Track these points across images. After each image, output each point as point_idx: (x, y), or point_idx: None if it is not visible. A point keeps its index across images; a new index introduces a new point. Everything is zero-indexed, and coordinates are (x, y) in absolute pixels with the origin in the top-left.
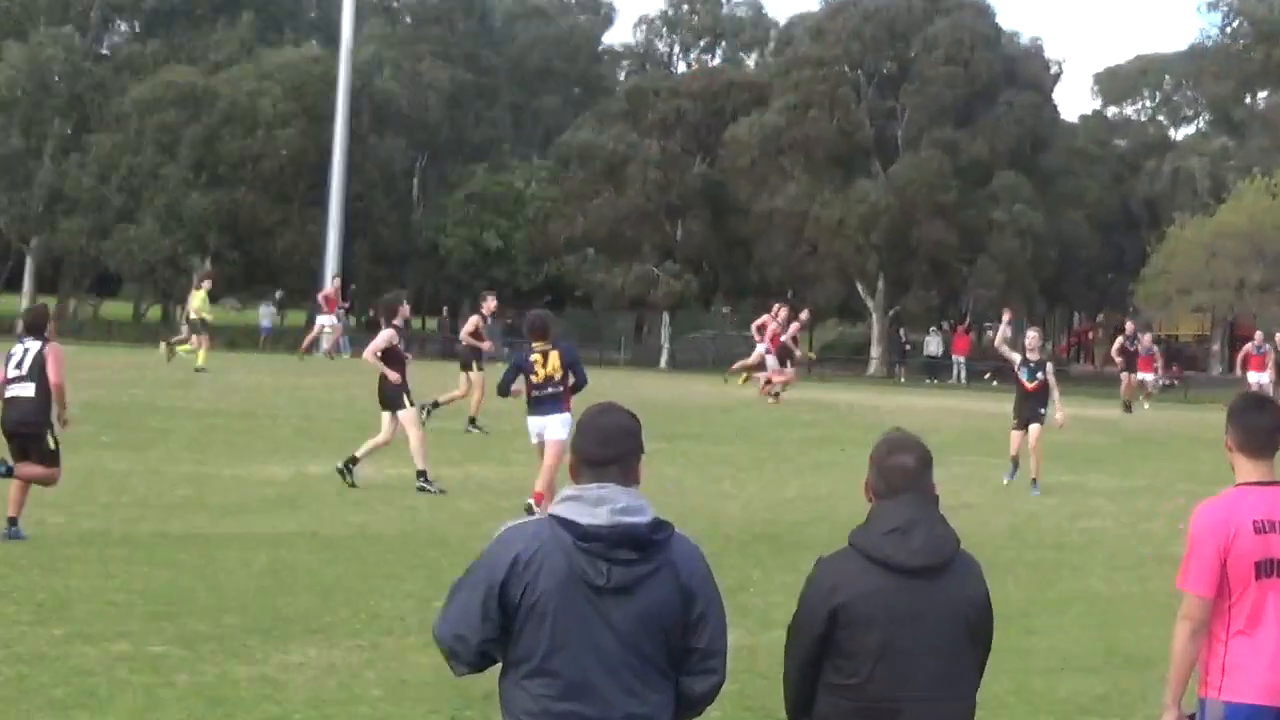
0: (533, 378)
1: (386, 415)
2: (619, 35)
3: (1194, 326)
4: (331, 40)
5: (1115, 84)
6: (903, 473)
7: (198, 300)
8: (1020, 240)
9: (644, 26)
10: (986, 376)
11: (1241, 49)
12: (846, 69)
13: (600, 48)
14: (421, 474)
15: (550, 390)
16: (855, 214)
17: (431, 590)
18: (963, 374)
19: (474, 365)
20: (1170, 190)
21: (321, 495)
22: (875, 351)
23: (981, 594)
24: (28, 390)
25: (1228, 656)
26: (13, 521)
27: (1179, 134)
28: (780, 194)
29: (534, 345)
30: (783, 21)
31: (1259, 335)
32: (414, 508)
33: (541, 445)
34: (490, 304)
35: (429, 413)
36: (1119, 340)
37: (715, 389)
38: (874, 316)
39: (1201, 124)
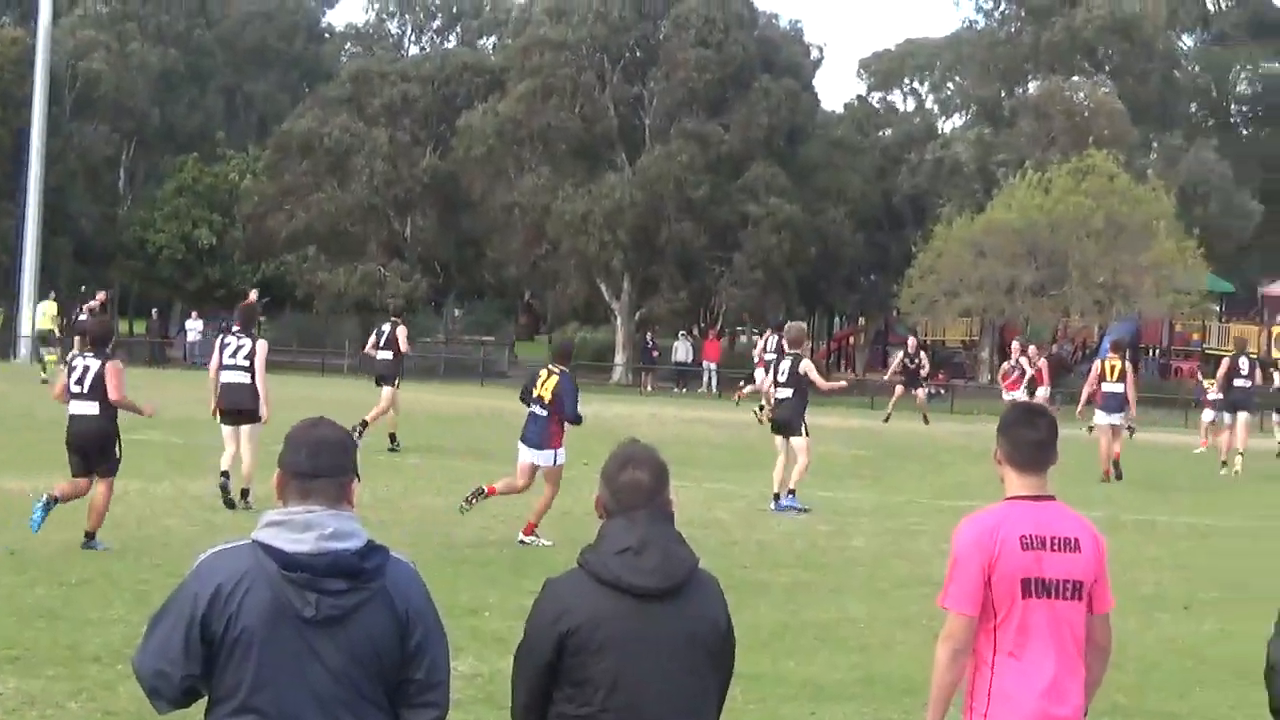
0: (533, 390)
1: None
2: (346, 14)
3: (961, 331)
4: (29, 17)
5: (880, 71)
6: (635, 489)
7: None
8: (777, 237)
9: (374, 6)
10: (740, 384)
11: (1011, 34)
12: (590, 52)
13: (322, 27)
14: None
15: (537, 410)
16: (599, 209)
17: (140, 615)
18: (714, 381)
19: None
20: (936, 184)
21: (21, 511)
22: (620, 358)
23: (721, 617)
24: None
25: (995, 681)
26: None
27: (947, 124)
28: (518, 187)
29: (551, 366)
30: (522, 0)
31: (1015, 348)
32: (121, 524)
33: (529, 466)
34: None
35: (359, 433)
36: (900, 357)
37: (443, 398)
38: (619, 320)
39: (970, 113)
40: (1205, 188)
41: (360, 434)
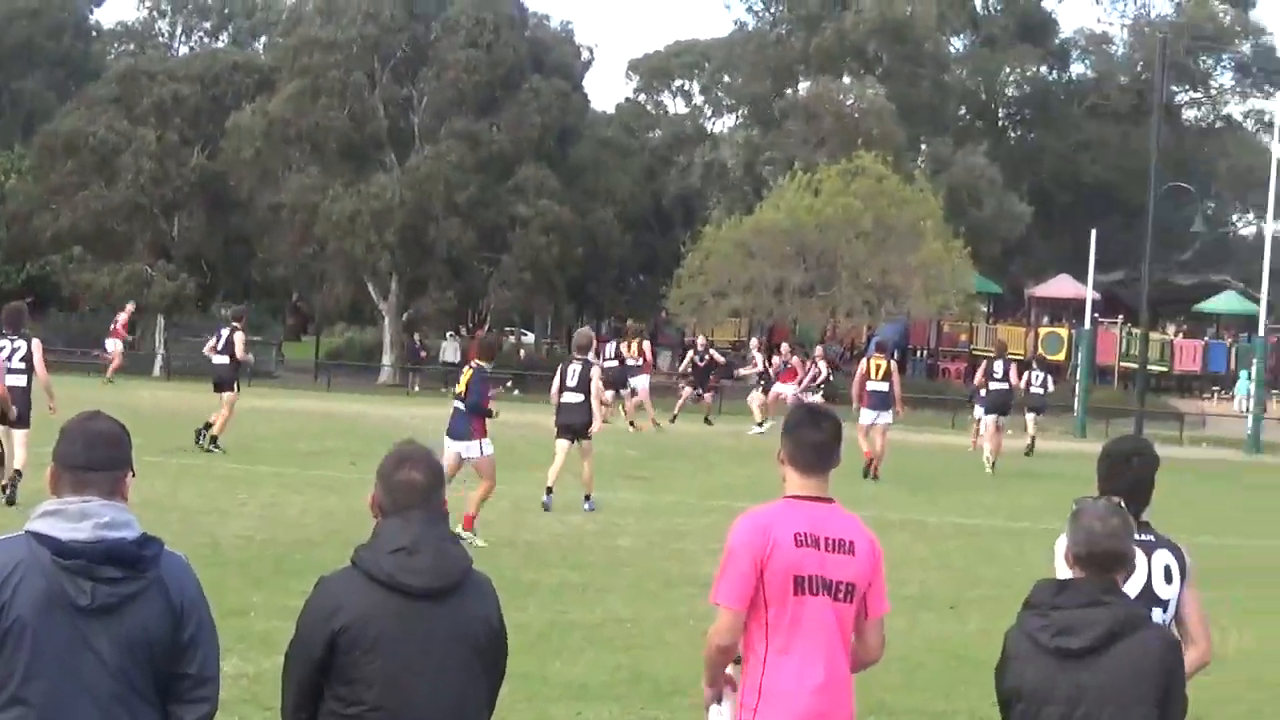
0: (457, 386)
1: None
2: (115, 12)
3: (730, 332)
4: None
5: (649, 72)
6: (411, 489)
7: None
8: (545, 238)
9: (145, 4)
10: (508, 385)
11: (781, 35)
12: (360, 53)
13: (91, 24)
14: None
15: (458, 404)
16: (368, 209)
17: None
18: None
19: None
20: (706, 185)
21: None
22: (388, 358)
23: (494, 617)
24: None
25: (765, 678)
26: None
27: (717, 125)
28: (286, 187)
29: (471, 362)
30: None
31: (785, 349)
32: None
33: (455, 457)
34: None
35: (207, 438)
36: (689, 356)
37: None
38: (386, 320)
39: (740, 115)
40: (974, 190)
41: (205, 439)
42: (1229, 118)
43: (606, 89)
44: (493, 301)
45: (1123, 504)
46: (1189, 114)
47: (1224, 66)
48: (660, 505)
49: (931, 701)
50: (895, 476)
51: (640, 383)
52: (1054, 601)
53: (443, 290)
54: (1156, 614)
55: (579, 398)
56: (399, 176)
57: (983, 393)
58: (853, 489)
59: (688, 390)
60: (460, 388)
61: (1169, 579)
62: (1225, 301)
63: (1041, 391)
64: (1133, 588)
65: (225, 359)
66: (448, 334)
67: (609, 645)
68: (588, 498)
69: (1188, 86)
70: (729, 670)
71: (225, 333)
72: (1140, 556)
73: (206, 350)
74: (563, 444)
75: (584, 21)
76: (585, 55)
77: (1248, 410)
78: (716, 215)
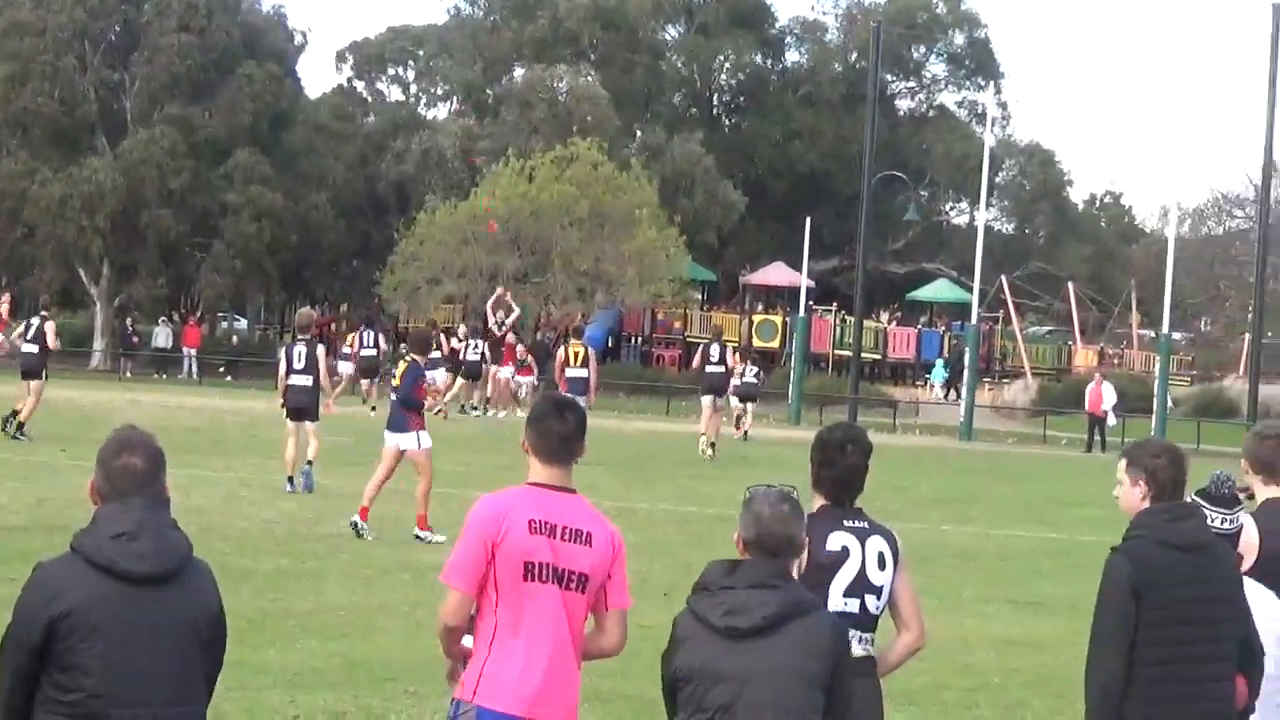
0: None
1: None
2: None
3: (444, 318)
4: None
5: (364, 58)
6: (131, 474)
7: None
8: (257, 225)
9: None
10: (220, 370)
11: (496, 23)
12: (70, 37)
13: None
14: None
15: (396, 397)
16: (78, 194)
17: None
18: (194, 368)
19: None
20: (421, 171)
21: None
22: (99, 344)
23: (214, 603)
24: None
25: (488, 661)
26: None
27: (431, 112)
28: None
29: (406, 355)
30: None
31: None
32: None
33: (394, 450)
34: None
35: (14, 425)
36: (451, 343)
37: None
38: (98, 305)
39: (455, 102)
40: (689, 177)
41: (11, 426)
42: (942, 107)
43: (320, 74)
44: (205, 287)
45: (795, 491)
46: (903, 103)
47: (937, 56)
48: (383, 492)
49: (648, 689)
50: (609, 463)
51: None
52: (725, 582)
53: (155, 276)
54: (871, 600)
55: (307, 379)
56: (111, 161)
57: (736, 382)
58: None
59: (494, 376)
60: (396, 381)
61: (882, 565)
62: (938, 290)
63: (755, 381)
64: (847, 575)
65: (35, 348)
66: (160, 320)
67: (324, 633)
68: (291, 479)
69: (901, 76)
70: (465, 642)
71: (36, 322)
72: (854, 543)
73: (15, 339)
74: (293, 426)
75: (297, 6)
76: (299, 40)
77: (945, 398)
78: (431, 202)
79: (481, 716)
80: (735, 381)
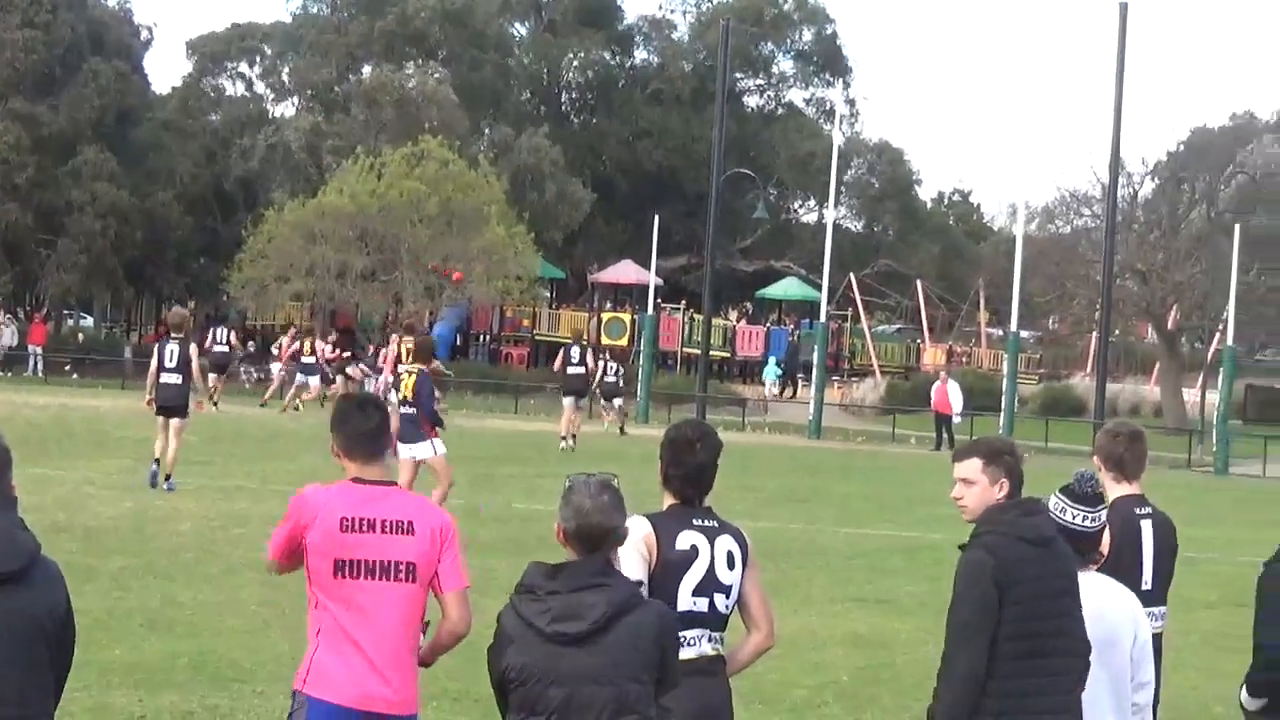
0: (395, 393)
1: None
2: None
3: (293, 316)
4: None
5: (209, 53)
6: None
7: None
8: (103, 222)
9: None
10: (66, 369)
11: (343, 20)
12: None
13: None
14: None
15: (406, 410)
16: None
17: None
18: (40, 366)
19: None
20: (269, 168)
21: None
22: None
23: (63, 603)
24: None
25: (317, 654)
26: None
27: (279, 109)
28: None
29: (410, 366)
30: None
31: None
32: None
33: (410, 461)
34: None
35: None
36: (287, 342)
37: None
38: None
39: (302, 99)
40: (537, 175)
41: None
42: (791, 105)
43: (167, 70)
44: (51, 285)
45: (616, 480)
46: (751, 101)
47: (786, 53)
48: (222, 490)
49: None
50: (457, 461)
51: (313, 380)
52: (550, 586)
53: (0, 274)
54: (720, 599)
55: (178, 378)
56: None
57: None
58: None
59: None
60: (408, 393)
61: (731, 564)
62: (787, 288)
63: (616, 380)
64: (696, 574)
65: None
66: (5, 316)
67: (170, 631)
68: (168, 477)
69: (750, 73)
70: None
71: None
72: (703, 542)
73: None
74: (163, 423)
75: (143, 1)
76: (145, 35)
77: (780, 395)
78: (279, 198)
79: (312, 707)
80: (608, 380)
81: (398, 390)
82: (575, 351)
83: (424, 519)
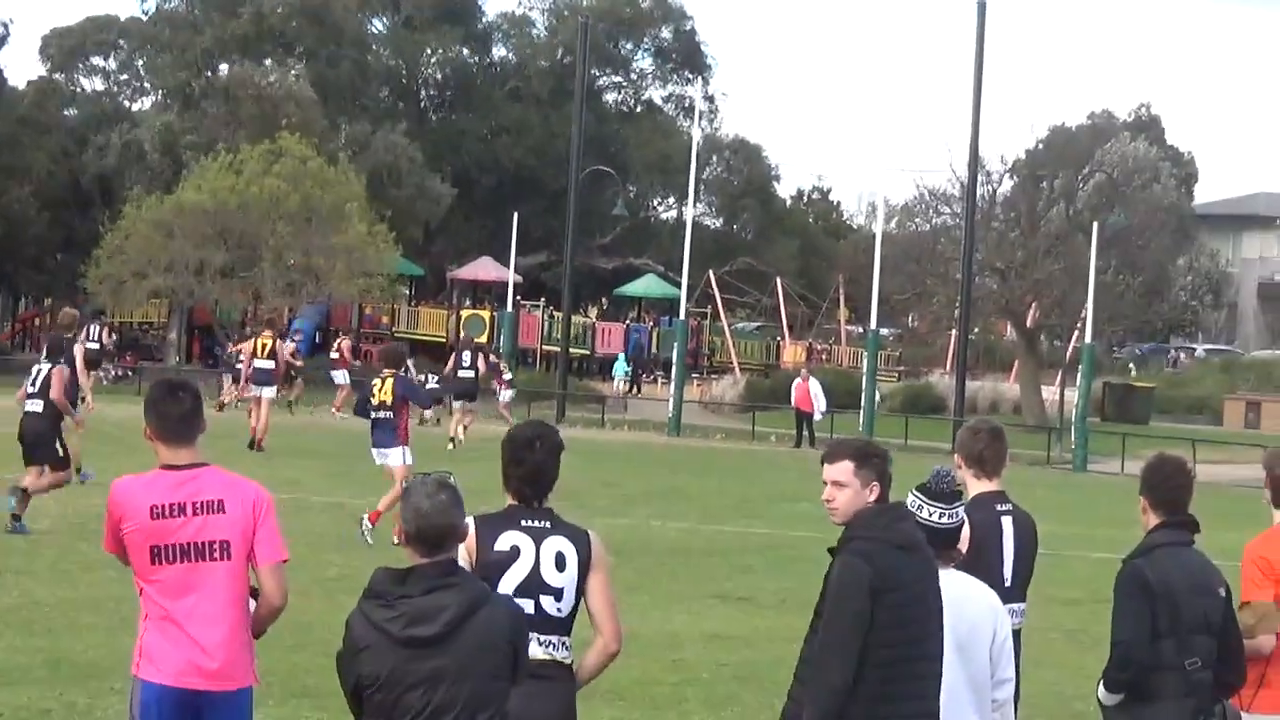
0: (372, 399)
1: None
2: None
3: (151, 313)
4: None
5: (65, 49)
6: None
7: None
8: None
9: None
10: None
11: (198, 18)
12: None
13: None
14: None
15: (383, 415)
16: None
17: None
18: None
19: None
20: (125, 165)
21: None
22: None
23: None
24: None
25: (145, 635)
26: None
27: (136, 105)
28: None
29: (384, 372)
30: None
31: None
32: None
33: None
34: None
35: None
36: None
37: None
38: None
39: (159, 96)
40: (395, 171)
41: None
42: (650, 102)
43: (21, 64)
44: None
45: (453, 477)
46: (610, 98)
47: (645, 51)
48: (80, 487)
49: None
50: (315, 458)
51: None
52: (400, 591)
53: None
54: (548, 602)
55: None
56: None
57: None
58: (269, 470)
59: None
60: (386, 397)
61: (561, 566)
62: (647, 285)
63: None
64: (516, 575)
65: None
66: None
67: (27, 629)
68: (79, 470)
69: (609, 70)
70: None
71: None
72: (527, 543)
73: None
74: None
75: None
76: (1, 30)
77: (629, 393)
78: (136, 195)
79: (144, 689)
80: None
81: (374, 396)
82: (466, 355)
83: (235, 495)
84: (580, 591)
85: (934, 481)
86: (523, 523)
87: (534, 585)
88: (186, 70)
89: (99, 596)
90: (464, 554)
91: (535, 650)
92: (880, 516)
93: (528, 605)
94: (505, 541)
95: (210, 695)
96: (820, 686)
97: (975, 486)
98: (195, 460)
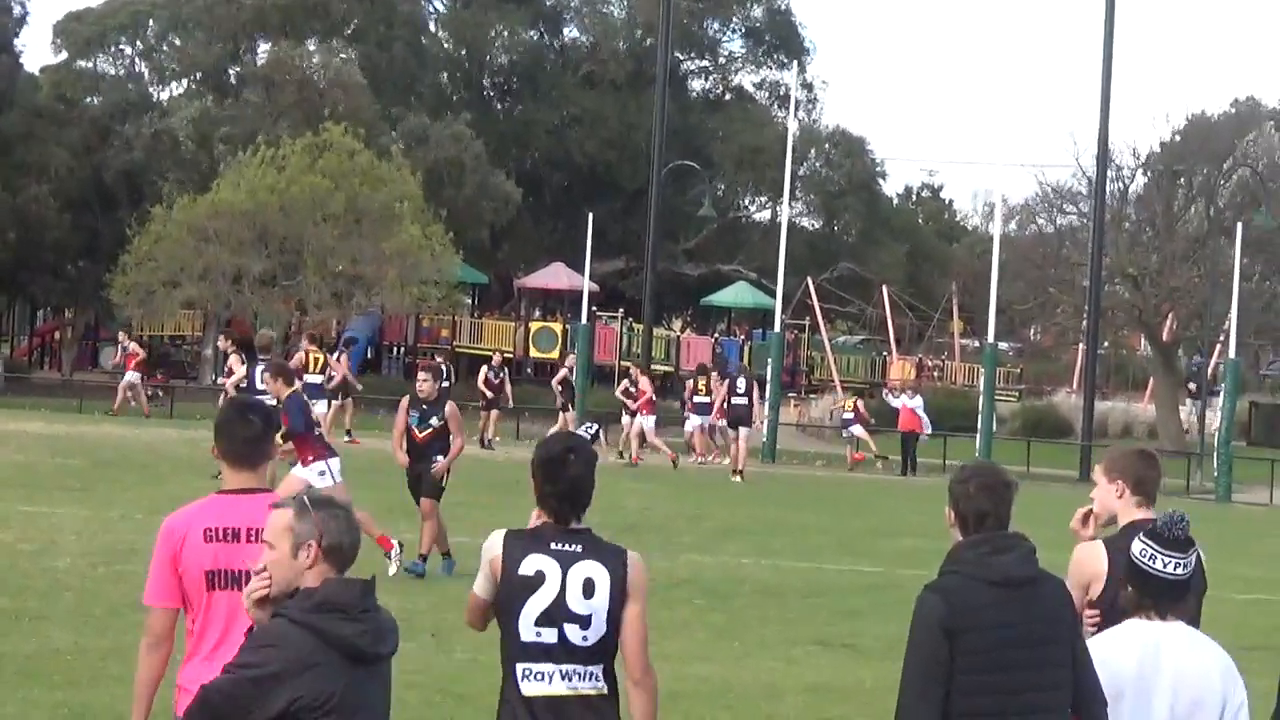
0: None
1: None
2: None
3: (184, 326)
4: None
5: (84, 32)
6: None
7: None
8: None
9: None
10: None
11: None
12: None
13: None
14: None
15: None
16: None
17: None
18: None
19: None
20: (154, 159)
21: None
22: None
23: None
24: None
25: (188, 672)
26: None
27: (164, 93)
28: None
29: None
30: None
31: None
32: None
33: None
34: None
35: None
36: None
37: None
38: None
39: (190, 82)
40: (457, 168)
41: None
42: (740, 89)
43: (39, 51)
44: None
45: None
46: (695, 85)
47: (734, 32)
48: (103, 521)
49: None
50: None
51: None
52: (364, 604)
53: None
54: (573, 630)
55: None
56: None
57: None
58: None
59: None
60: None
61: (590, 593)
62: (736, 294)
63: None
64: (540, 602)
65: None
66: None
67: (47, 681)
68: None
69: (694, 54)
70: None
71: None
72: (553, 567)
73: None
74: None
75: None
76: (18, 11)
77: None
78: (167, 194)
79: None
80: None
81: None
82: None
83: None
84: (614, 619)
85: (1166, 527)
86: (552, 545)
87: (558, 613)
88: (222, 47)
89: (124, 644)
90: (489, 572)
91: (558, 685)
92: (975, 548)
93: (549, 634)
94: (530, 565)
95: None
96: None
97: (1133, 514)
98: (256, 485)
